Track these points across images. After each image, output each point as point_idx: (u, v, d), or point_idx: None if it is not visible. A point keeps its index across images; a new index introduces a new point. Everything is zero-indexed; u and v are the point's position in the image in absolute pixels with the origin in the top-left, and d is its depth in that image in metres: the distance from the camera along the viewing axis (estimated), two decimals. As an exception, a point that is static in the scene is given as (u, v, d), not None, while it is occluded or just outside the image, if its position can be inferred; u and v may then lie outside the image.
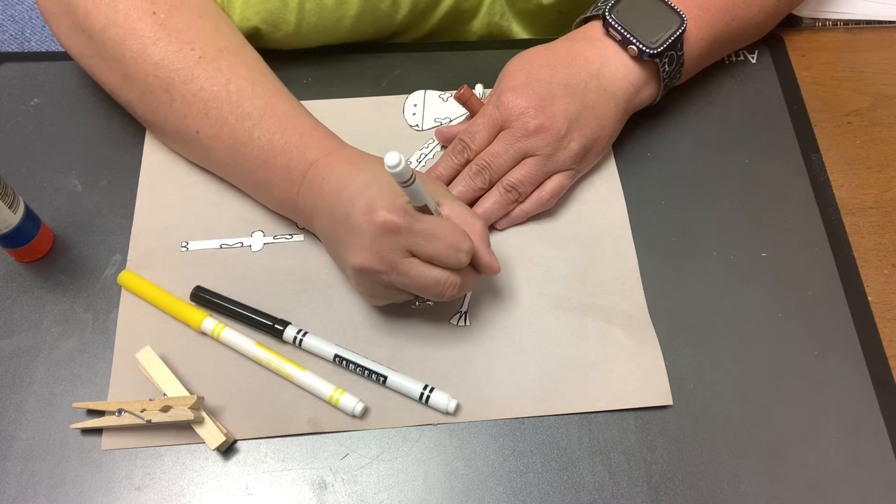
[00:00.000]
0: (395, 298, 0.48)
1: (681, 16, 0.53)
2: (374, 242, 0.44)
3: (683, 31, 0.53)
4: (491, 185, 0.53)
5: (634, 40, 0.52)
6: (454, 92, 0.56)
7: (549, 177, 0.53)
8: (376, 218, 0.43)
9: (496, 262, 0.47)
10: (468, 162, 0.53)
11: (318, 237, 0.52)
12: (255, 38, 0.58)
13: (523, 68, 0.53)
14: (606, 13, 0.53)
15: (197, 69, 0.50)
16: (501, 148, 0.52)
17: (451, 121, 0.60)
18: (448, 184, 0.54)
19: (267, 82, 0.52)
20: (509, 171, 0.53)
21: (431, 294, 0.46)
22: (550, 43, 0.55)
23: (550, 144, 0.52)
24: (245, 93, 0.50)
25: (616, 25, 0.53)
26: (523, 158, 0.53)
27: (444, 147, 0.58)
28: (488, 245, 0.47)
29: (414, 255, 0.44)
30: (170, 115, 0.52)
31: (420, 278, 0.44)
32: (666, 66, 0.54)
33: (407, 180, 0.40)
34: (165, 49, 0.50)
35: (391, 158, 0.39)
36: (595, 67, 0.53)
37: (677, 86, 0.59)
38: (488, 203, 0.53)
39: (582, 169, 0.55)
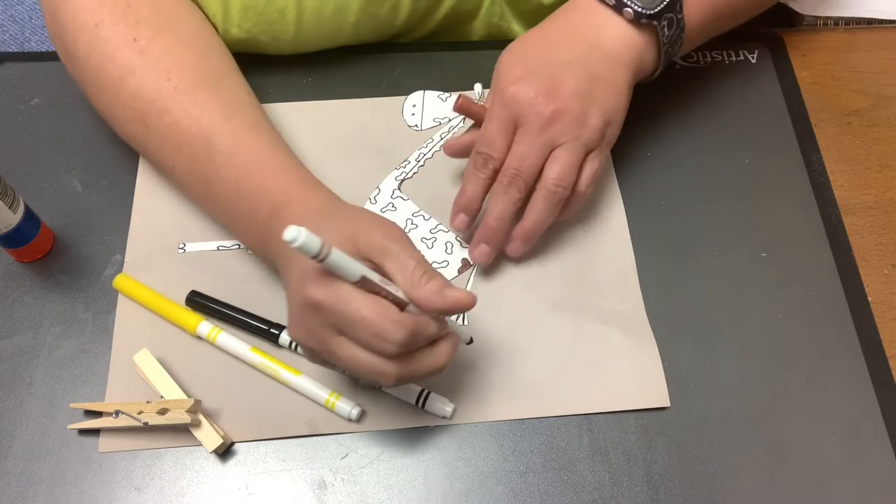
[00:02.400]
0: (341, 370, 0.46)
1: None
2: (302, 317, 0.41)
3: None
4: (527, 190, 0.50)
5: (629, 2, 0.49)
6: (455, 92, 0.55)
7: (583, 160, 0.50)
8: (302, 292, 0.40)
9: (448, 351, 0.42)
10: (496, 172, 0.50)
11: None
12: (254, 46, 0.57)
13: (518, 59, 0.51)
14: None
15: (171, 102, 0.48)
16: (525, 147, 0.49)
17: (449, 120, 0.59)
18: (482, 201, 0.51)
19: (244, 117, 0.50)
20: (540, 168, 0.49)
21: (366, 380, 0.42)
22: (539, 24, 0.53)
23: (573, 126, 0.48)
24: (217, 129, 0.48)
25: None
26: (550, 151, 0.49)
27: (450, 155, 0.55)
28: (441, 325, 0.41)
29: (345, 336, 0.40)
30: (148, 146, 0.51)
31: (350, 361, 0.40)
32: (665, 29, 0.50)
33: (316, 255, 0.36)
34: (142, 79, 0.49)
35: (287, 234, 0.34)
36: (592, 37, 0.50)
37: (677, 86, 0.59)
38: (535, 210, 0.50)
39: (609, 143, 0.51)
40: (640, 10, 0.49)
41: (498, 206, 0.50)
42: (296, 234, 0.34)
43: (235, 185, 0.48)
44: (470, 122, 0.54)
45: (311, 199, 0.46)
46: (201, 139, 0.48)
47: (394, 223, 0.43)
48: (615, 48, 0.50)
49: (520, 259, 0.53)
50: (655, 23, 0.50)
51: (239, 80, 0.53)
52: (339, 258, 0.37)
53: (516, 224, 0.51)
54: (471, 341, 0.49)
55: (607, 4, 0.50)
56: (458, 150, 0.54)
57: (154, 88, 0.49)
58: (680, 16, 0.51)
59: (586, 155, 0.50)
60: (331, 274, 0.39)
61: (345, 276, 0.39)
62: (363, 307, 0.39)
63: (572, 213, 0.52)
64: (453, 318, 0.51)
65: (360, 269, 0.39)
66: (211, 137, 0.48)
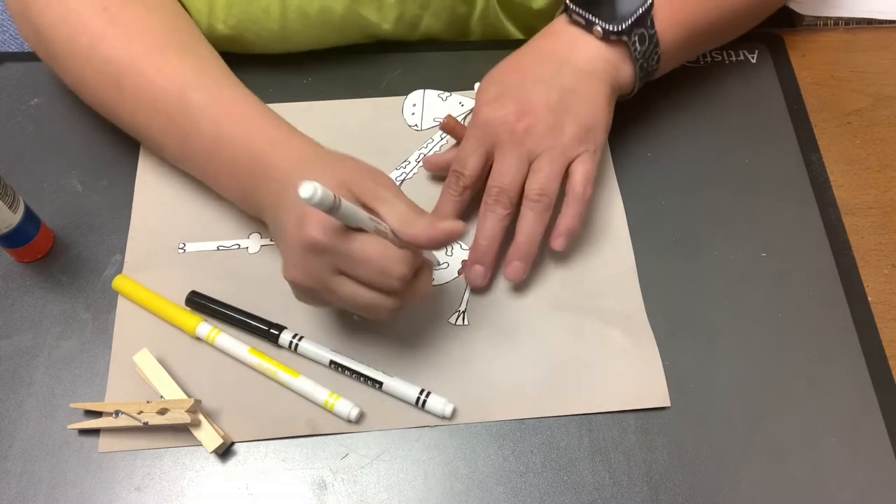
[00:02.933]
0: (332, 307, 0.47)
1: None
2: (303, 259, 0.42)
3: (650, 6, 0.51)
4: (513, 206, 0.50)
5: (597, 21, 0.51)
6: (454, 92, 0.56)
7: (565, 169, 0.51)
8: (303, 235, 0.41)
9: (429, 276, 0.46)
10: (465, 189, 0.52)
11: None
12: (241, 43, 0.58)
13: (494, 83, 0.53)
14: (567, 1, 0.52)
15: (144, 63, 0.49)
16: (504, 164, 0.50)
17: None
18: (454, 218, 0.52)
19: (216, 73, 0.51)
20: (522, 183, 0.50)
21: (364, 314, 0.45)
22: (518, 50, 0.55)
23: (546, 138, 0.50)
24: (190, 83, 0.49)
25: (577, 10, 0.52)
26: (529, 164, 0.50)
27: (434, 175, 0.57)
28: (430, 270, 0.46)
29: (345, 275, 0.42)
30: (123, 111, 0.51)
31: (350, 299, 0.43)
32: (637, 44, 0.52)
33: (329, 208, 0.37)
34: (114, 44, 0.49)
35: (304, 190, 0.35)
36: (563, 55, 0.52)
37: (677, 86, 0.59)
38: (525, 225, 0.50)
39: (596, 148, 0.51)
40: (608, 27, 0.51)
41: (486, 225, 0.51)
42: (312, 191, 0.35)
43: (214, 136, 0.48)
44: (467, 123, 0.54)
45: (294, 146, 0.47)
46: (176, 95, 0.48)
47: (381, 171, 0.46)
48: (588, 62, 0.52)
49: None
50: (626, 38, 0.51)
51: (207, 45, 0.53)
52: (349, 208, 0.39)
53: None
54: (438, 263, 0.52)
55: (579, 25, 0.52)
56: (437, 166, 0.56)
57: (126, 52, 0.49)
58: (652, 31, 0.52)
59: (571, 163, 0.51)
60: (329, 216, 0.40)
61: (348, 223, 0.40)
62: (367, 246, 0.41)
63: (578, 219, 0.51)
64: (452, 320, 0.51)
65: (364, 217, 0.40)
66: (185, 92, 0.48)
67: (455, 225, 0.43)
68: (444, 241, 0.43)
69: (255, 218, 0.52)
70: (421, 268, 0.45)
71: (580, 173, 0.50)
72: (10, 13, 0.54)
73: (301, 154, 0.46)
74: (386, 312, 0.44)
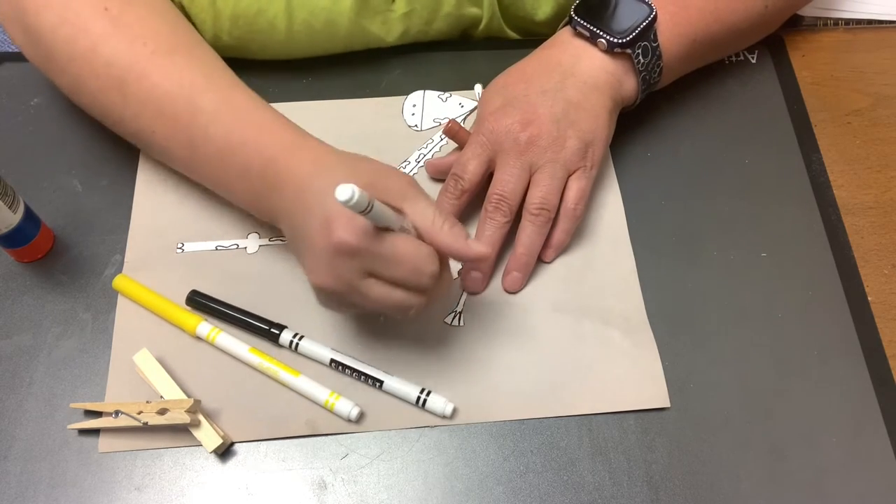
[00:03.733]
0: (358, 312, 0.47)
1: (649, 5, 0.52)
2: (331, 263, 0.41)
3: (653, 19, 0.52)
4: (512, 215, 0.51)
5: (602, 33, 0.52)
6: (454, 92, 0.56)
7: (565, 182, 0.52)
8: (332, 238, 0.40)
9: (449, 269, 0.46)
10: (463, 193, 0.52)
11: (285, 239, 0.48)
12: (245, 53, 0.58)
13: (499, 91, 0.53)
14: (572, 14, 0.53)
15: (149, 66, 0.48)
16: (506, 173, 0.51)
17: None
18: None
19: (223, 76, 0.50)
20: (523, 192, 0.51)
21: (394, 314, 0.45)
22: (523, 59, 0.55)
23: (549, 149, 0.50)
24: (199, 87, 0.48)
25: (582, 22, 0.52)
26: (531, 175, 0.51)
27: (434, 178, 0.57)
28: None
29: (374, 276, 0.42)
30: (125, 115, 0.50)
31: (381, 300, 0.42)
32: (640, 57, 0.52)
33: (364, 209, 0.37)
34: (117, 46, 0.48)
35: (342, 193, 0.35)
36: (568, 67, 0.53)
37: (677, 86, 0.59)
38: (525, 237, 0.51)
39: (593, 164, 0.53)
40: (612, 39, 0.52)
41: (486, 232, 0.51)
42: (350, 193, 0.35)
43: (225, 141, 0.47)
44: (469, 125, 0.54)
45: (309, 149, 0.46)
46: (183, 99, 0.48)
47: (401, 170, 0.46)
48: (591, 74, 0.53)
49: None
50: (629, 51, 0.52)
51: (210, 49, 0.52)
52: (380, 209, 0.38)
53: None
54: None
55: (583, 37, 0.53)
56: (438, 170, 0.56)
57: (129, 54, 0.48)
58: (655, 44, 0.53)
59: (569, 176, 0.52)
60: (357, 218, 0.39)
61: (379, 223, 0.40)
62: (399, 246, 0.41)
63: (568, 235, 0.53)
64: (447, 320, 0.51)
65: (394, 217, 0.40)
66: (193, 97, 0.48)
67: (487, 251, 0.43)
68: (475, 260, 0.44)
69: (265, 222, 0.51)
70: (442, 263, 0.45)
71: (574, 190, 0.52)
72: (1, 16, 0.53)
73: (318, 157, 0.45)
74: (416, 311, 0.43)
